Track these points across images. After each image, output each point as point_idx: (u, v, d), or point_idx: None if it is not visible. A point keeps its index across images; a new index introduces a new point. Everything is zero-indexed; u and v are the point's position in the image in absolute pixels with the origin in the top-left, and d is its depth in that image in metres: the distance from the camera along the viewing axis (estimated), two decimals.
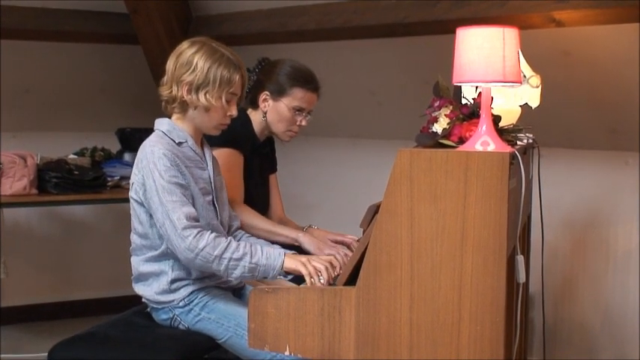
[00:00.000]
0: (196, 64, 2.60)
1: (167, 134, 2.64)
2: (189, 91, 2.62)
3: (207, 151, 2.76)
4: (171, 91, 2.64)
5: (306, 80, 3.08)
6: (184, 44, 2.67)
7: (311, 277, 2.49)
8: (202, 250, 2.49)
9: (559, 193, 3.76)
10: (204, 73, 2.60)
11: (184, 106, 2.65)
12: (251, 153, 3.10)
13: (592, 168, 3.79)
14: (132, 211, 2.66)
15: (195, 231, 2.50)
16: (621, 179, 3.68)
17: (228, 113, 2.68)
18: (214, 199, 2.71)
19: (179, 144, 2.64)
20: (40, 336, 4.86)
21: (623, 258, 3.71)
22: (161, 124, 2.68)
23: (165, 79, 2.67)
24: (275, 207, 3.32)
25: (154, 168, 2.53)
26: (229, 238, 2.58)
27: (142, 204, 2.60)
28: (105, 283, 5.36)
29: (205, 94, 2.60)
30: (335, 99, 4.36)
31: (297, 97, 3.06)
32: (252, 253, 2.53)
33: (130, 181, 2.64)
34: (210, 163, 2.73)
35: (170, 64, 2.66)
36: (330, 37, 4.26)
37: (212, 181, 2.71)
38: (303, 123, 3.10)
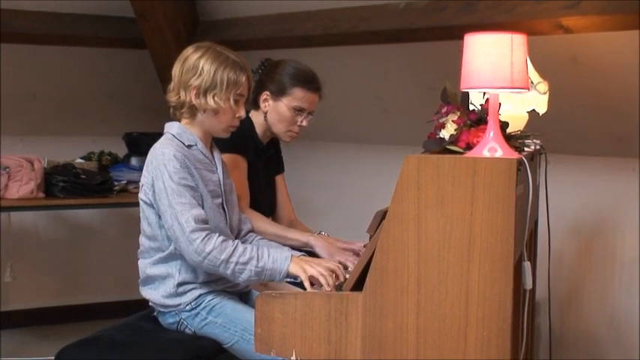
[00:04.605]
0: (202, 67, 2.62)
1: (177, 137, 2.65)
2: (197, 95, 2.63)
3: (216, 154, 2.77)
4: (179, 97, 2.65)
5: (307, 80, 3.06)
6: (189, 49, 2.69)
7: (311, 283, 2.51)
8: (209, 253, 2.50)
9: (566, 200, 3.76)
10: (210, 76, 2.61)
11: (193, 111, 2.66)
12: (255, 156, 3.09)
13: (599, 175, 3.79)
14: (141, 213, 2.67)
15: (203, 234, 2.51)
16: (628, 186, 3.67)
17: (237, 115, 2.69)
18: (224, 202, 2.72)
19: (189, 147, 2.66)
20: (46, 340, 4.87)
21: (630, 264, 3.70)
22: (171, 127, 2.69)
23: (172, 85, 2.68)
24: (285, 209, 3.31)
25: (164, 169, 2.55)
26: (236, 241, 2.58)
27: (151, 205, 2.61)
28: (111, 287, 5.37)
29: (214, 97, 2.62)
30: (342, 104, 4.37)
31: (297, 96, 3.04)
32: (259, 257, 2.54)
33: (140, 183, 2.66)
34: (219, 167, 2.75)
35: (176, 70, 2.67)
36: (337, 43, 4.26)
37: (222, 184, 2.72)
38: (304, 123, 3.08)
